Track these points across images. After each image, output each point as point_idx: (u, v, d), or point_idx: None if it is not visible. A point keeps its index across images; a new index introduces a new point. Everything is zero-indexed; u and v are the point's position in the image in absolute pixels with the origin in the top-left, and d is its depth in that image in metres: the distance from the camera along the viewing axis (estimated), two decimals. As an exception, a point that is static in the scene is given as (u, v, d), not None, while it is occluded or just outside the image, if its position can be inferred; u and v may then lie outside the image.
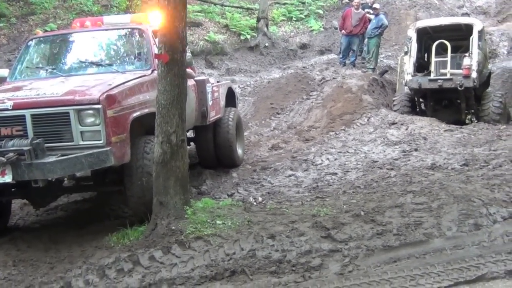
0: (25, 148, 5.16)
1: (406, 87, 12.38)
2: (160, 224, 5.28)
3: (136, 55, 7.08)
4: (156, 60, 6.58)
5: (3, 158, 5.09)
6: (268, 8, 20.51)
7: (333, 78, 14.24)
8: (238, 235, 5.03)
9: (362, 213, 5.40)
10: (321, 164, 8.56)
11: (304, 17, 21.75)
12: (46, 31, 13.88)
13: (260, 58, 18.49)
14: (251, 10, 21.42)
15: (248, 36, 19.41)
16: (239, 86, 14.87)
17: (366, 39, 15.65)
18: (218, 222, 5.34)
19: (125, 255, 4.84)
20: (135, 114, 5.86)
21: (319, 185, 7.38)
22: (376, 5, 15.59)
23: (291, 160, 8.93)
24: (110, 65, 6.81)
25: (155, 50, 6.62)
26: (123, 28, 7.44)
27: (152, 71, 6.60)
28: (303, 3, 22.48)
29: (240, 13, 21.18)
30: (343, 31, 15.79)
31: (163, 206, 5.38)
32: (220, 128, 8.64)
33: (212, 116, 8.24)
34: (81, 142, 5.40)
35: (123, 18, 7.92)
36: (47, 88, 5.85)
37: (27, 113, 5.40)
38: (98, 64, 6.88)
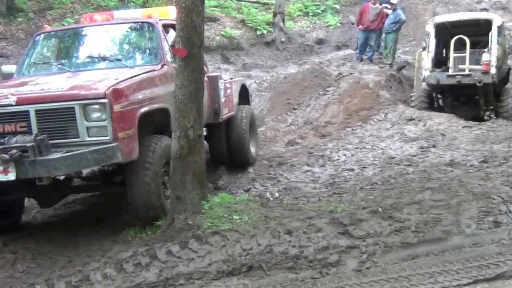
0: (28, 145, 4.99)
1: (424, 83, 12.28)
2: (177, 218, 5.28)
3: (146, 50, 6.93)
4: (167, 54, 6.58)
5: (6, 155, 4.93)
6: (285, 3, 20.44)
7: (350, 73, 14.14)
8: (255, 230, 5.02)
9: (380, 209, 5.36)
10: (338, 160, 8.53)
11: (320, 12, 21.67)
12: (62, 25, 13.98)
13: (277, 53, 18.44)
14: (268, 5, 21.38)
15: (265, 31, 19.38)
16: (255, 82, 14.85)
17: (384, 35, 15.53)
18: (235, 217, 5.33)
19: (143, 249, 4.85)
20: (143, 109, 5.66)
21: (336, 181, 7.36)
22: (394, 0, 15.46)
23: (308, 156, 8.91)
24: (119, 60, 6.65)
25: (165, 45, 6.62)
26: (132, 22, 7.27)
27: (162, 66, 6.50)
28: (320, -2, 22.39)
29: (256, 8, 21.15)
30: (360, 26, 15.69)
31: (180, 200, 5.38)
32: (233, 126, 8.44)
33: (225, 113, 8.05)
34: (87, 138, 5.21)
35: (134, 13, 7.78)
36: (53, 83, 5.71)
37: (31, 108, 5.22)
38: (106, 59, 6.69)
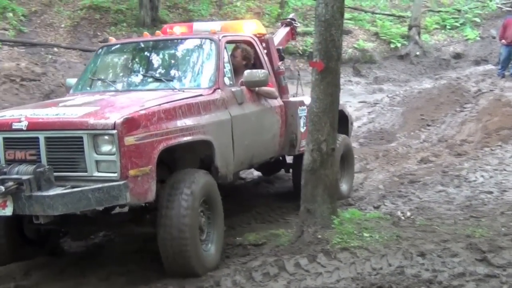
0: (24, 177, 4.37)
1: None
2: (306, 231, 5.29)
3: (200, 70, 6.07)
4: (225, 76, 5.91)
5: (2, 187, 4.35)
6: (421, 16, 19.93)
7: (490, 90, 13.49)
8: (386, 249, 4.88)
9: (524, 238, 5.00)
10: (475, 181, 8.07)
11: (459, 25, 20.90)
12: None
13: (410, 67, 18.00)
14: (403, 18, 20.97)
15: (399, 45, 19.04)
16: (387, 96, 14.58)
17: (529, 50, 14.62)
18: (365, 234, 5.23)
19: (272, 259, 4.91)
20: (169, 143, 4.81)
21: (472, 204, 6.96)
22: (542, 14, 14.51)
23: (442, 175, 8.52)
24: (170, 80, 5.91)
25: (224, 65, 5.93)
26: (192, 38, 6.50)
27: (214, 90, 5.65)
28: (459, 10, 21.60)
29: (391, 21, 20.83)
30: (503, 40, 14.91)
31: (310, 214, 5.38)
32: None
33: (305, 144, 6.97)
34: (96, 173, 4.51)
35: (214, 26, 6.92)
36: (78, 106, 5.07)
37: (41, 135, 4.60)
38: (157, 79, 5.98)
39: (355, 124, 12.74)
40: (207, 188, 5.08)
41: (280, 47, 7.49)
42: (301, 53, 18.08)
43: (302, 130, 6.88)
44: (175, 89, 5.68)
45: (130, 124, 4.51)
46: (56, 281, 5.12)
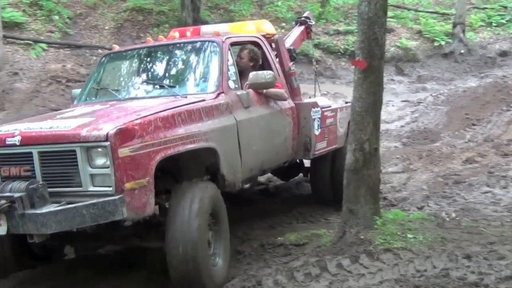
0: (16, 195, 4.18)
1: None
2: (348, 232, 5.23)
3: (203, 75, 5.83)
4: (230, 80, 5.68)
5: None
6: (466, 13, 19.53)
7: (539, 89, 13.10)
8: (430, 251, 4.79)
9: None
10: (522, 182, 7.88)
11: (505, 22, 20.42)
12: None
13: (455, 65, 17.67)
14: (447, 15, 20.60)
15: (443, 43, 18.72)
16: (431, 95, 14.36)
17: None
18: (409, 235, 5.13)
19: (313, 259, 4.87)
20: (169, 152, 4.57)
21: (520, 205, 6.80)
22: None
23: (488, 176, 8.32)
24: (172, 87, 5.72)
25: (229, 68, 5.72)
26: (195, 42, 6.22)
27: (218, 95, 5.44)
28: (505, 7, 21.08)
29: (434, 19, 20.50)
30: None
31: (352, 214, 5.32)
32: (338, 161, 7.02)
33: (320, 148, 6.77)
34: (91, 188, 4.29)
35: (221, 28, 6.75)
36: (75, 117, 4.88)
37: (34, 150, 4.40)
38: (160, 86, 5.81)
39: (398, 124, 12.65)
40: (213, 201, 4.88)
41: (292, 47, 7.31)
42: (342, 52, 17.98)
43: (317, 132, 6.66)
44: (178, 95, 5.49)
45: (124, 134, 4.27)
46: (102, 278, 5.23)
